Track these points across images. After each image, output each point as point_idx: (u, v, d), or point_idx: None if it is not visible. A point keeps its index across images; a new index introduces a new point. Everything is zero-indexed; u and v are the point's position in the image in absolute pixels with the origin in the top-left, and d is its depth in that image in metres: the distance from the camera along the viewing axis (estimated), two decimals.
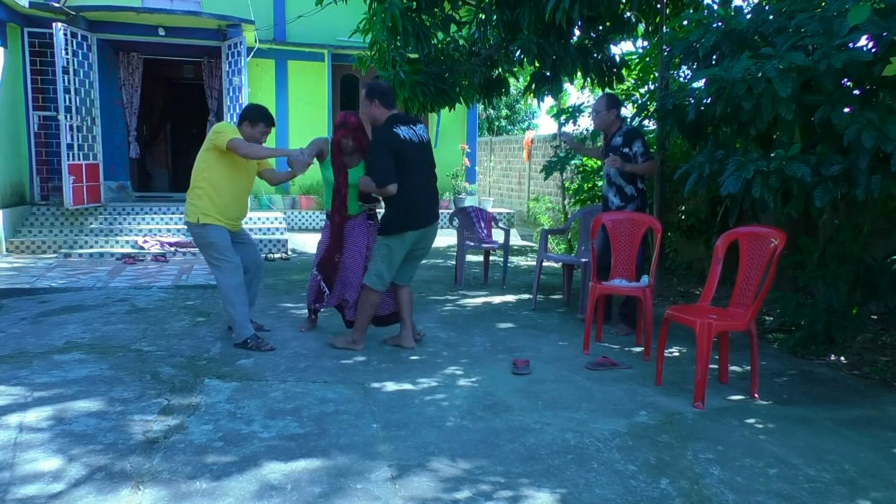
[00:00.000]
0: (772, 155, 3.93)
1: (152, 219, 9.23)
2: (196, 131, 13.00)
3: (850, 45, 3.72)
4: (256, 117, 4.53)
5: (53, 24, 8.40)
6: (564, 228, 7.40)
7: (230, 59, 9.59)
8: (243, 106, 9.32)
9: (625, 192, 5.02)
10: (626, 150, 4.93)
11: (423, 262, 8.40)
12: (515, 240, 8.29)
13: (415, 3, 5.92)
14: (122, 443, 2.94)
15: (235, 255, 4.45)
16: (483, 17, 6.18)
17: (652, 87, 6.98)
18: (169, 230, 9.03)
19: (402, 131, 4.17)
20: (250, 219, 9.48)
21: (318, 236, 9.98)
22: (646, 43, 6.91)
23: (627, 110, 7.17)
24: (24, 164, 9.14)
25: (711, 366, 3.76)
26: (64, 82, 8.52)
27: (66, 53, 8.50)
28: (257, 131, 4.50)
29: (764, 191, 3.80)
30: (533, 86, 6.66)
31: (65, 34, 8.46)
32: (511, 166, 15.69)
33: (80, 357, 4.19)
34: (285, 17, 11.04)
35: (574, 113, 7.36)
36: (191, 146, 13.51)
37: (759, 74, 3.81)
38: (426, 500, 2.52)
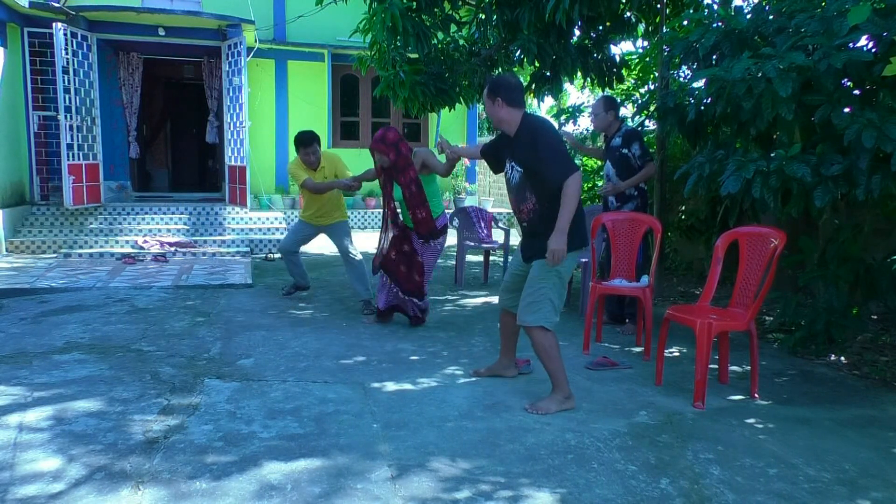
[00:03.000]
0: (772, 155, 3.93)
1: (152, 219, 9.23)
2: (196, 131, 13.00)
3: (850, 45, 3.72)
4: (297, 145, 5.45)
5: (53, 24, 8.40)
6: None
7: (230, 59, 9.59)
8: (243, 106, 9.37)
9: (624, 192, 5.04)
10: (625, 150, 4.97)
11: None
12: (515, 240, 8.28)
13: (415, 3, 5.92)
14: (122, 443, 2.94)
15: (290, 238, 5.85)
16: (483, 17, 6.18)
17: (652, 87, 6.98)
18: (169, 230, 9.03)
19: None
20: (250, 218, 9.49)
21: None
22: (646, 43, 6.91)
23: (627, 110, 7.18)
24: (24, 164, 9.13)
25: (711, 366, 3.76)
26: (64, 82, 8.52)
27: (66, 53, 8.50)
28: (305, 154, 5.43)
29: (764, 191, 3.80)
30: (533, 86, 6.66)
31: (65, 34, 8.46)
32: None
33: (80, 357, 4.19)
34: (285, 17, 11.05)
35: (574, 113, 7.36)
36: (191, 146, 13.57)
37: (759, 74, 3.81)
38: (426, 500, 2.52)
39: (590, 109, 7.61)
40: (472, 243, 6.93)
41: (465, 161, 12.18)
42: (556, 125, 9.02)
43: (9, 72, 8.63)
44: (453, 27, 6.59)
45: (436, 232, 4.87)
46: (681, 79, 5.96)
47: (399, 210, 4.89)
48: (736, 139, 4.57)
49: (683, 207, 7.05)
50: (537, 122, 3.47)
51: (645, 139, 7.21)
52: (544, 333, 3.44)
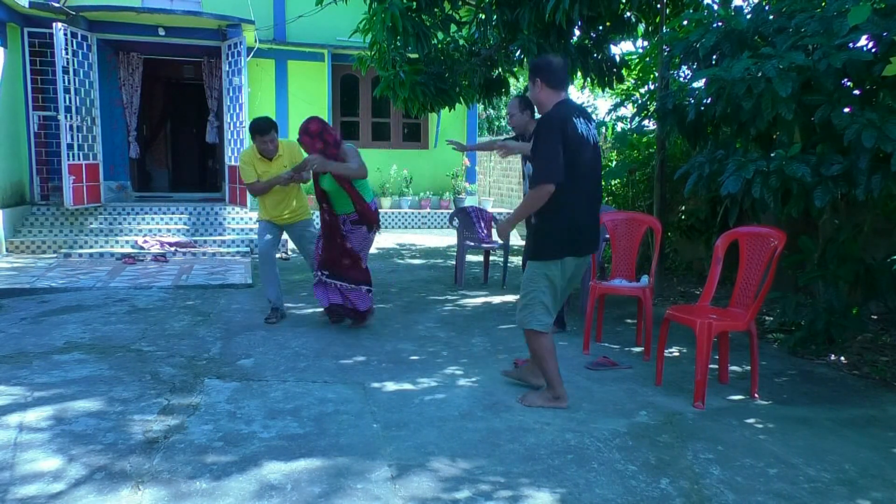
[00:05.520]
0: (772, 155, 3.93)
1: (152, 219, 9.23)
2: (196, 131, 13.00)
3: (850, 45, 3.72)
4: (252, 133, 5.06)
5: (53, 24, 8.40)
6: None
7: (230, 59, 9.59)
8: (243, 106, 9.37)
9: None
10: None
11: (422, 261, 8.49)
12: (515, 240, 8.32)
13: (415, 3, 5.92)
14: (122, 443, 2.94)
15: (262, 239, 5.21)
16: (483, 17, 6.19)
17: (652, 87, 6.98)
18: (169, 230, 9.03)
19: (580, 125, 3.19)
20: (250, 218, 9.49)
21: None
22: (646, 43, 6.91)
23: (627, 110, 7.19)
24: (24, 164, 9.13)
25: (711, 366, 3.76)
26: (64, 82, 8.52)
27: (66, 53, 8.50)
28: (262, 142, 5.03)
29: (764, 191, 3.80)
30: None
31: (65, 34, 8.46)
32: (511, 166, 15.67)
33: (80, 357, 4.19)
34: (285, 17, 11.04)
35: None
36: (191, 146, 13.56)
37: (759, 74, 3.81)
38: (426, 500, 2.52)
39: (589, 109, 7.59)
40: (472, 243, 6.93)
41: (465, 161, 12.18)
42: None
43: (9, 72, 8.63)
44: (453, 27, 6.59)
45: (373, 218, 4.90)
46: (681, 79, 5.96)
47: (333, 201, 4.82)
48: (736, 139, 4.57)
49: (683, 207, 7.05)
50: (545, 116, 3.26)
51: (644, 139, 7.22)
52: (537, 336, 3.41)
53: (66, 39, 8.50)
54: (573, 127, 3.15)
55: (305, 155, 5.15)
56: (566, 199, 3.20)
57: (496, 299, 6.21)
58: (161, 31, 9.45)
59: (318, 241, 5.02)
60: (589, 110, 7.56)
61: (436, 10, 6.17)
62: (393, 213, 11.61)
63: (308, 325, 5.10)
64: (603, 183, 7.51)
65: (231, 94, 9.63)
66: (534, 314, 3.39)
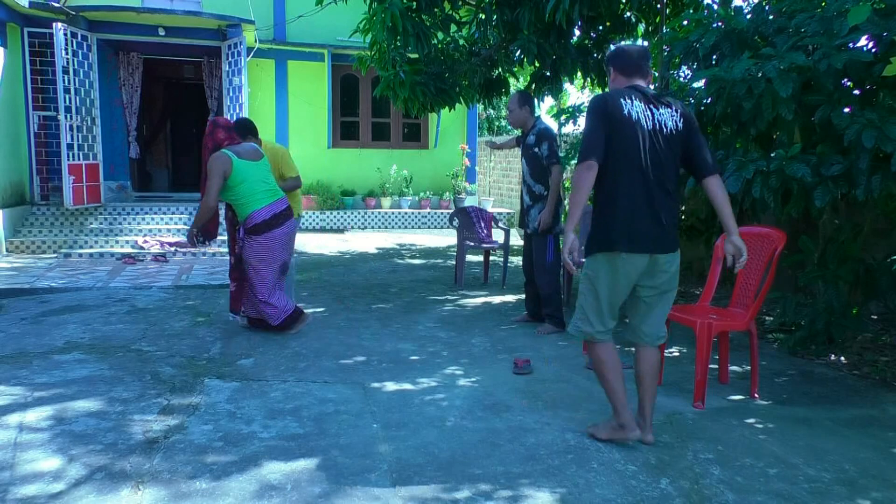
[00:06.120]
0: (772, 155, 3.93)
1: (152, 219, 9.23)
2: (196, 131, 12.99)
3: (850, 45, 3.72)
4: (245, 132, 4.94)
5: (53, 24, 8.40)
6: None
7: (230, 58, 9.59)
8: (243, 106, 9.37)
9: (533, 191, 4.98)
10: (536, 150, 4.89)
11: (422, 261, 8.48)
12: (515, 240, 8.31)
13: (415, 3, 5.92)
14: (122, 443, 2.94)
15: None
16: (483, 17, 6.19)
17: (652, 87, 6.97)
18: (169, 230, 9.03)
19: (632, 106, 2.88)
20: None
21: (317, 236, 9.99)
22: (646, 43, 6.90)
23: None
24: (24, 164, 9.14)
25: (711, 366, 3.76)
26: (64, 82, 8.52)
27: (66, 53, 8.51)
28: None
29: (764, 191, 3.80)
30: (533, 86, 6.66)
31: (65, 34, 8.46)
32: (511, 166, 15.67)
33: (80, 357, 4.19)
34: (285, 17, 11.04)
35: (574, 113, 7.36)
36: (191, 146, 13.57)
37: (760, 74, 3.81)
38: (426, 500, 2.51)
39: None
40: (472, 243, 6.93)
41: (465, 161, 12.18)
42: (556, 125, 9.05)
43: (9, 72, 8.63)
44: (453, 27, 6.59)
45: (249, 229, 4.59)
46: (681, 79, 5.96)
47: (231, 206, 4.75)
48: (736, 139, 4.56)
49: (683, 207, 7.05)
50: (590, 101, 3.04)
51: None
52: (591, 346, 3.03)
53: (66, 39, 8.50)
54: (619, 107, 2.85)
55: (294, 163, 5.27)
56: (612, 187, 2.88)
57: (496, 299, 6.21)
58: (161, 31, 9.45)
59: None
60: None
61: (436, 10, 6.17)
62: (393, 213, 11.61)
63: (308, 326, 5.09)
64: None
65: (231, 94, 9.64)
66: (575, 318, 3.05)
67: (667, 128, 2.93)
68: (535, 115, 5.08)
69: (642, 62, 3.03)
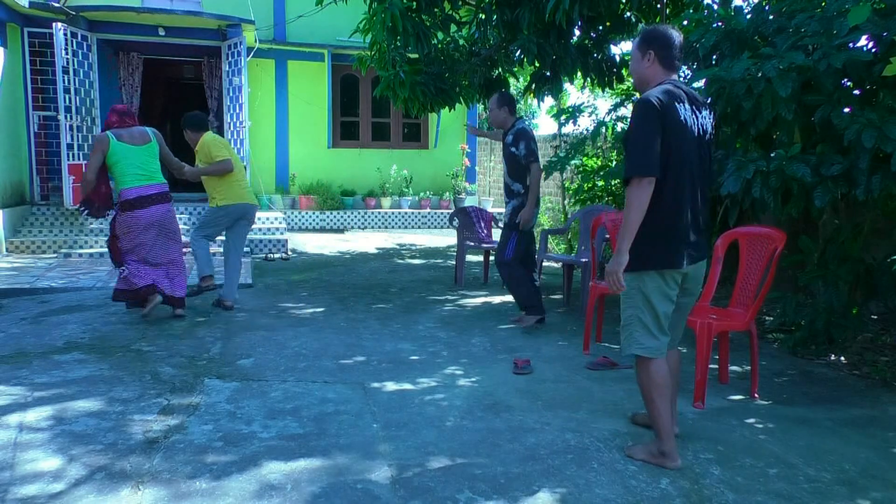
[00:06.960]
0: (772, 155, 3.93)
1: None
2: None
3: (850, 45, 3.72)
4: (198, 127, 5.77)
5: (53, 24, 8.40)
6: (564, 228, 7.41)
7: (230, 59, 9.59)
8: (243, 106, 9.37)
9: (511, 189, 5.06)
10: (514, 149, 4.96)
11: (422, 261, 8.49)
12: None
13: (415, 3, 5.93)
14: (122, 443, 2.94)
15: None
16: (483, 17, 6.19)
17: None
18: None
19: (681, 110, 2.64)
20: None
21: (318, 236, 9.97)
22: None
23: (627, 110, 7.18)
24: (24, 164, 9.13)
25: (711, 366, 3.76)
26: (64, 82, 8.52)
27: (66, 53, 8.50)
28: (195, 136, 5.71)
29: (764, 191, 3.80)
30: (533, 86, 6.66)
31: (65, 34, 8.46)
32: None
33: (80, 357, 4.19)
34: (285, 17, 11.04)
35: (574, 113, 7.36)
36: (190, 146, 13.54)
37: (759, 74, 3.81)
38: (426, 501, 2.51)
39: (589, 109, 7.61)
40: (472, 243, 6.93)
41: (465, 161, 12.18)
42: (556, 125, 9.04)
43: (9, 72, 8.63)
44: (453, 27, 6.59)
45: (118, 204, 5.07)
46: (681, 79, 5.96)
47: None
48: (736, 139, 4.56)
49: None
50: (643, 97, 2.69)
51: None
52: (642, 363, 2.81)
53: (66, 39, 8.49)
54: (675, 113, 2.60)
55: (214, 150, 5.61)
56: (668, 203, 2.65)
57: (496, 299, 6.21)
58: (161, 31, 9.45)
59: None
60: (589, 110, 7.61)
61: (436, 10, 6.17)
62: (393, 213, 11.61)
63: (308, 326, 5.10)
64: (602, 183, 7.54)
65: (231, 94, 9.63)
66: (633, 335, 2.78)
67: (707, 133, 2.77)
68: (517, 115, 5.20)
69: (681, 55, 2.78)
